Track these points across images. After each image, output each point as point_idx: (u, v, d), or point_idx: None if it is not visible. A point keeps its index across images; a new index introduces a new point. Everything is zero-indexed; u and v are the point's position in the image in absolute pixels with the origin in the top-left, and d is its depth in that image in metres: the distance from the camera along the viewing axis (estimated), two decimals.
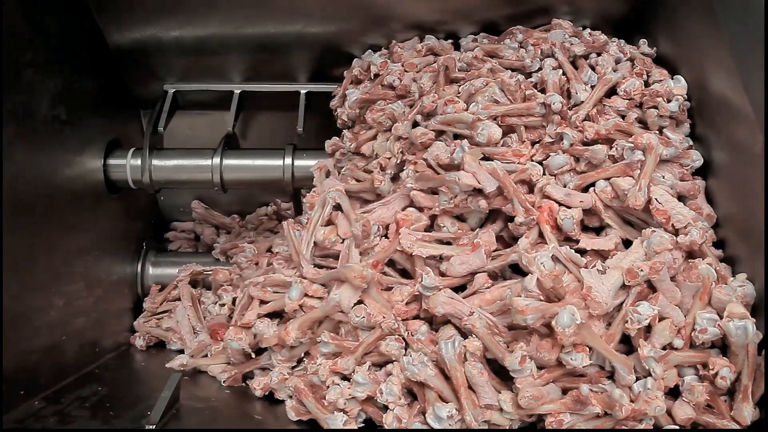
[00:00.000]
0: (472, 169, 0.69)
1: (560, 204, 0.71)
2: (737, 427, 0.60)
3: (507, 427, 0.62)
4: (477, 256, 0.68)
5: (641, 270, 0.61)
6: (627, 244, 0.70)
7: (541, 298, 0.60)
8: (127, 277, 0.99)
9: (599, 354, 0.61)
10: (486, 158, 0.73)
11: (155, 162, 0.93)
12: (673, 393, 0.64)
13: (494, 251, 0.70)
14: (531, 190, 0.73)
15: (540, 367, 0.61)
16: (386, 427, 0.63)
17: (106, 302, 0.91)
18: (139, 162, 0.93)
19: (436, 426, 0.60)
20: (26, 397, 0.71)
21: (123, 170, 0.92)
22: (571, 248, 0.67)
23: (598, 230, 0.73)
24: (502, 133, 0.73)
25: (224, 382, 0.77)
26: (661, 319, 0.63)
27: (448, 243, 0.71)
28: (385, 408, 0.65)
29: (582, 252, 0.69)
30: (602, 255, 0.69)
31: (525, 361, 0.60)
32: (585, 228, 0.73)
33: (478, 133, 0.72)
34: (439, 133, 0.76)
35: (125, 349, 0.93)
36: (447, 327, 0.67)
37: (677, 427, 0.61)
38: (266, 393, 0.74)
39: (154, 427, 0.63)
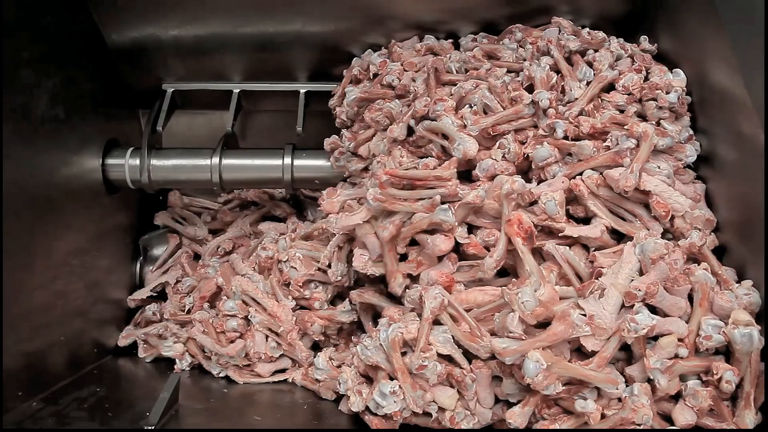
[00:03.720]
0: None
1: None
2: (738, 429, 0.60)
3: (452, 409, 0.64)
4: (444, 266, 0.70)
5: (639, 290, 0.61)
6: (614, 233, 0.70)
7: (523, 336, 0.60)
8: (126, 277, 0.99)
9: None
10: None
11: (154, 162, 0.93)
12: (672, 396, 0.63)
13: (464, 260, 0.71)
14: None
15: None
16: (352, 408, 0.67)
17: (105, 302, 0.91)
18: (137, 162, 0.92)
19: (382, 402, 0.63)
20: (24, 398, 0.70)
21: (121, 170, 0.92)
22: (555, 240, 0.68)
23: (586, 222, 0.72)
24: (478, 148, 0.72)
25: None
26: (663, 335, 0.63)
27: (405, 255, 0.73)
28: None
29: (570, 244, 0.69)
30: (588, 244, 0.69)
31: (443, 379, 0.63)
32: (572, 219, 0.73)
33: (454, 148, 0.72)
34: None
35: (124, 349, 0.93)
36: (411, 314, 0.69)
37: (678, 428, 0.61)
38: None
39: (153, 427, 0.63)
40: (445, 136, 0.75)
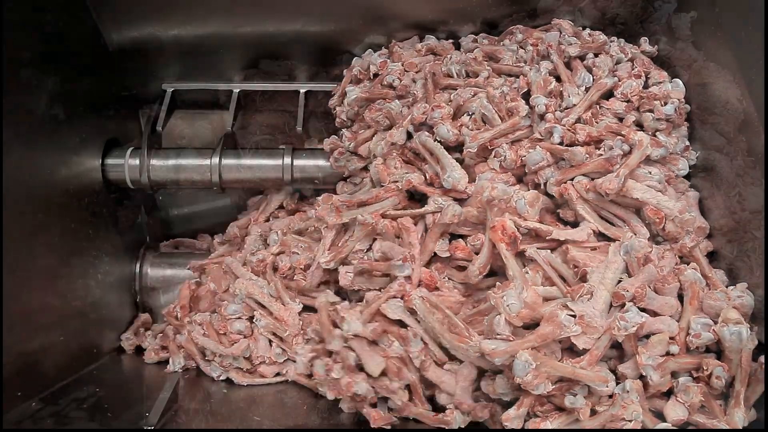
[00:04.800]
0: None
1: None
2: (729, 426, 0.61)
3: (375, 377, 0.66)
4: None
5: (627, 291, 0.62)
6: (602, 237, 0.70)
7: (511, 338, 0.61)
8: (126, 277, 0.99)
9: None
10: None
11: (153, 162, 0.93)
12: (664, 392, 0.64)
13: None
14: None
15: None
16: (328, 396, 0.69)
17: (105, 303, 0.91)
18: (137, 162, 0.92)
19: (305, 361, 0.72)
20: (24, 398, 0.70)
21: (121, 170, 0.92)
22: (538, 244, 0.69)
23: (575, 226, 0.72)
24: (467, 181, 0.74)
25: None
26: (654, 333, 0.63)
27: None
28: None
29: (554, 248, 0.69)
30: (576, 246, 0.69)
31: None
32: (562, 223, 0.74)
33: (443, 179, 0.73)
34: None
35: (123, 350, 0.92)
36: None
37: (670, 426, 0.62)
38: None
39: (153, 427, 0.63)
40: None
